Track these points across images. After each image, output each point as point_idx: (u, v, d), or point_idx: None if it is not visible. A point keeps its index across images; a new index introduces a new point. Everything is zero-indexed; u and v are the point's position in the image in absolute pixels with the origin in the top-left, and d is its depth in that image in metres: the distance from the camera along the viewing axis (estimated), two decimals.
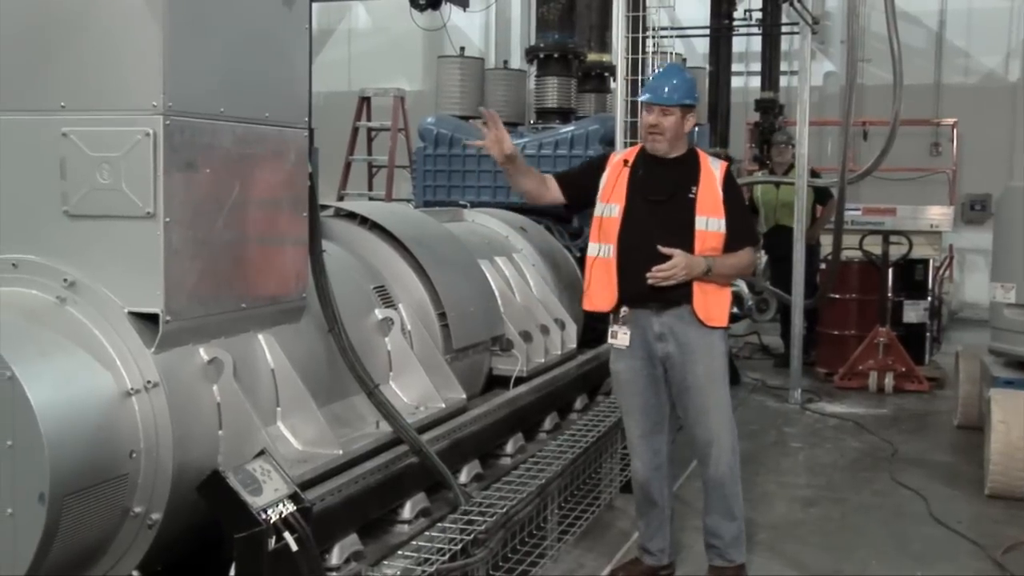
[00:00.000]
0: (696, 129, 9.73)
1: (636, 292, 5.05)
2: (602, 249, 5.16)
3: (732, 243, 5.09)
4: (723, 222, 5.07)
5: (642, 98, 5.20)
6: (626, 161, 5.24)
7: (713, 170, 5.15)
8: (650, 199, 5.10)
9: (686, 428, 5.27)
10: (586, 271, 5.29)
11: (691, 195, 5.07)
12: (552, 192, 5.44)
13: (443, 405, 5.09)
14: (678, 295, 5.00)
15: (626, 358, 5.19)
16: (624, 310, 5.11)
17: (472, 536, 4.21)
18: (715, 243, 5.06)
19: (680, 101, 5.11)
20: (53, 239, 3.59)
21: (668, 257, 4.92)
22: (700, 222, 5.04)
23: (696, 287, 5.01)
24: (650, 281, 4.93)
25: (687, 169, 5.15)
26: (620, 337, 5.13)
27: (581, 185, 5.39)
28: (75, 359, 3.39)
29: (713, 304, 5.07)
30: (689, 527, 5.97)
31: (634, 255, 5.04)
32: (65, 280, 3.54)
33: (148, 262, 3.51)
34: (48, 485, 3.12)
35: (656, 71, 5.50)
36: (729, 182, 5.18)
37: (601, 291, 5.18)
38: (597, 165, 5.39)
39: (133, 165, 3.49)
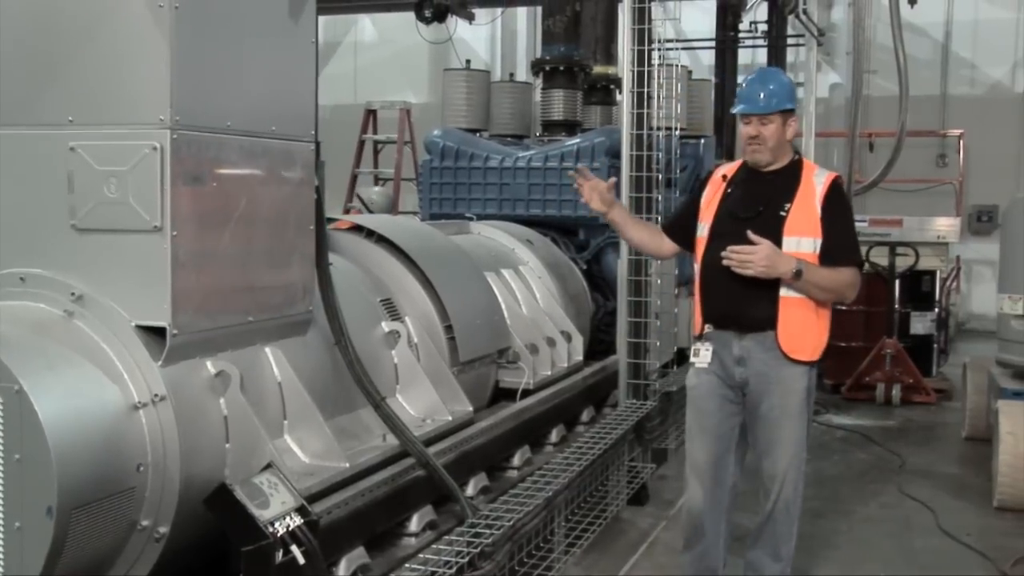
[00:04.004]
0: (703, 141, 9.82)
1: (718, 313, 4.78)
2: (696, 269, 4.92)
3: (825, 260, 4.64)
4: (820, 241, 4.65)
5: (737, 109, 4.81)
6: (725, 176, 4.94)
7: (815, 184, 4.73)
8: (737, 217, 4.74)
9: (756, 457, 4.91)
10: None
11: (782, 212, 4.68)
12: (666, 245, 5.18)
13: (450, 418, 5.09)
14: (761, 319, 4.65)
15: (703, 375, 4.86)
16: (707, 327, 4.81)
17: (479, 549, 4.20)
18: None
19: (779, 107, 4.74)
20: (61, 253, 3.60)
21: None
22: (790, 243, 4.62)
23: (782, 312, 4.63)
24: (724, 262, 4.58)
25: (784, 184, 4.76)
26: (702, 355, 4.82)
27: (684, 225, 5.07)
28: (83, 373, 3.40)
29: (800, 333, 4.68)
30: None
31: (716, 275, 4.71)
32: (72, 294, 3.55)
33: (155, 276, 3.52)
34: (56, 498, 3.12)
35: (749, 76, 5.00)
36: (833, 197, 4.72)
37: (695, 314, 4.92)
38: (699, 189, 5.06)
39: (140, 179, 3.51)
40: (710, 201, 4.90)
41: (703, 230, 4.87)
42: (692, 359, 4.91)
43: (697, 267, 4.90)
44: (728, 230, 4.73)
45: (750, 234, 4.56)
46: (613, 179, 5.17)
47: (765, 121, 4.73)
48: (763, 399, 4.73)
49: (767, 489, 4.85)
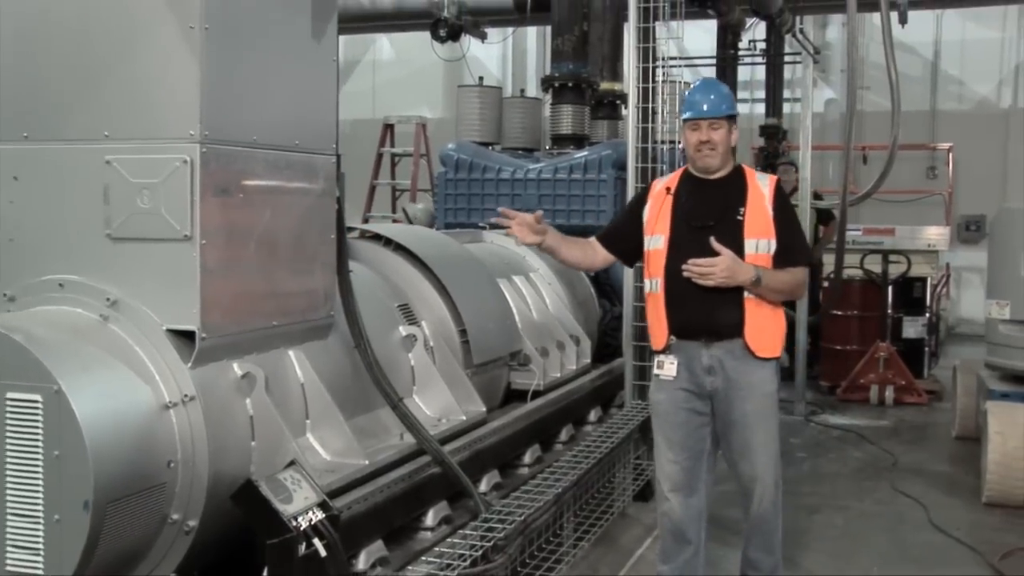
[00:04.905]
0: None
1: (685, 324, 4.61)
2: (652, 284, 4.72)
3: (780, 261, 4.58)
4: (774, 243, 4.60)
5: (686, 116, 4.71)
6: (668, 188, 4.77)
7: (761, 187, 4.67)
8: (695, 225, 4.61)
9: (730, 464, 4.78)
10: (645, 311, 4.90)
11: (739, 217, 4.59)
12: (600, 255, 5.01)
13: (464, 417, 5.09)
14: (729, 327, 4.55)
15: (668, 389, 4.69)
16: (672, 339, 4.64)
17: (492, 543, 4.19)
18: (768, 266, 4.59)
19: (727, 112, 4.70)
20: (97, 260, 3.62)
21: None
22: (750, 245, 4.55)
23: (748, 315, 4.54)
24: (685, 274, 4.48)
25: (733, 189, 4.68)
26: (667, 367, 4.65)
27: (624, 234, 4.95)
28: (117, 374, 3.41)
29: (765, 332, 4.60)
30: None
31: (682, 286, 4.55)
32: (108, 299, 3.57)
33: (185, 282, 3.53)
34: (92, 493, 3.14)
35: (693, 86, 4.95)
36: (779, 199, 4.68)
37: (654, 327, 4.74)
38: (637, 201, 4.96)
39: (171, 190, 3.52)
40: (658, 214, 4.74)
41: (659, 242, 4.69)
42: (656, 371, 4.73)
43: (656, 280, 4.69)
44: (688, 239, 4.61)
45: (713, 243, 4.48)
46: (539, 212, 4.90)
47: (715, 126, 4.66)
48: (736, 405, 4.61)
49: (749, 491, 4.71)
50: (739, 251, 4.52)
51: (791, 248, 4.64)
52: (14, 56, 3.72)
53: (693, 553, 4.78)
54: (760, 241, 4.58)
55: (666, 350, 4.68)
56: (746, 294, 4.54)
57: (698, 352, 4.61)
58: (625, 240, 4.95)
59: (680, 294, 4.59)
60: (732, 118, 4.73)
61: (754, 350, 4.57)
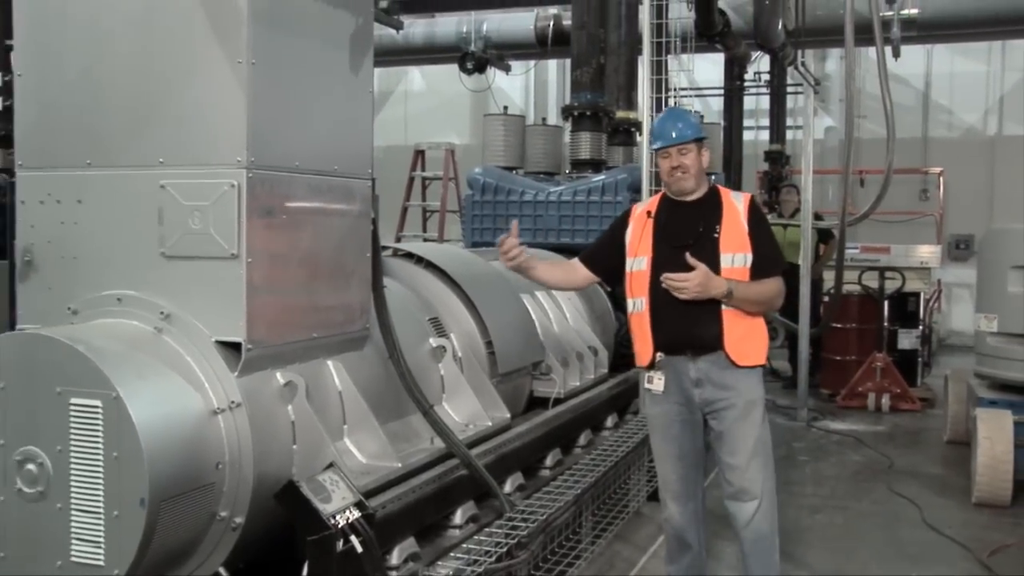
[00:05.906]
0: (713, 177, 9.76)
1: (670, 340, 4.48)
2: (635, 304, 4.57)
3: (756, 272, 4.46)
4: (750, 256, 4.47)
5: (656, 146, 4.62)
6: (649, 212, 4.66)
7: (736, 204, 4.55)
8: (675, 245, 4.47)
9: (723, 473, 4.56)
10: (630, 329, 4.74)
11: (715, 234, 4.47)
12: (581, 275, 4.86)
13: (490, 423, 5.08)
14: (710, 340, 4.42)
15: (661, 403, 4.56)
16: (659, 355, 4.50)
17: (516, 540, 4.18)
18: (745, 278, 4.46)
19: (694, 136, 4.55)
20: (152, 277, 3.64)
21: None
22: (726, 259, 4.43)
23: (727, 327, 4.41)
24: (663, 285, 4.37)
25: (709, 209, 4.56)
26: (655, 382, 4.52)
27: (607, 255, 4.80)
28: (170, 382, 3.43)
29: (745, 341, 4.46)
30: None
31: (665, 304, 4.43)
32: (161, 313, 3.58)
33: (232, 297, 3.55)
34: (147, 491, 3.16)
35: (659, 116, 4.88)
36: (754, 214, 4.55)
37: (640, 345, 4.59)
38: (619, 225, 4.78)
39: (220, 212, 3.54)
40: (640, 236, 4.62)
41: (642, 264, 4.56)
42: (646, 385, 4.60)
43: (640, 300, 4.54)
44: (669, 259, 4.47)
45: (688, 258, 4.36)
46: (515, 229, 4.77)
47: (684, 151, 4.54)
48: (724, 414, 4.47)
49: (739, 504, 4.52)
50: (715, 266, 4.41)
51: (765, 260, 4.51)
52: (79, 91, 3.76)
53: (696, 555, 4.70)
54: (736, 255, 4.47)
55: (653, 366, 4.54)
56: (723, 307, 4.44)
57: (685, 366, 4.48)
58: (607, 260, 4.80)
59: (664, 312, 4.48)
60: (700, 141, 4.60)
61: (735, 359, 4.43)
